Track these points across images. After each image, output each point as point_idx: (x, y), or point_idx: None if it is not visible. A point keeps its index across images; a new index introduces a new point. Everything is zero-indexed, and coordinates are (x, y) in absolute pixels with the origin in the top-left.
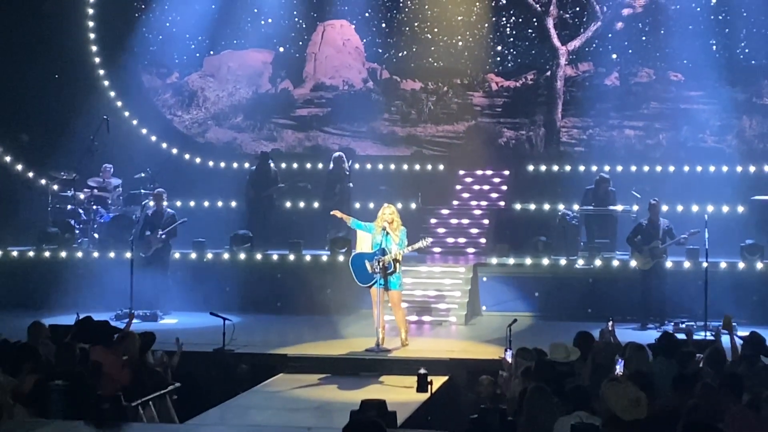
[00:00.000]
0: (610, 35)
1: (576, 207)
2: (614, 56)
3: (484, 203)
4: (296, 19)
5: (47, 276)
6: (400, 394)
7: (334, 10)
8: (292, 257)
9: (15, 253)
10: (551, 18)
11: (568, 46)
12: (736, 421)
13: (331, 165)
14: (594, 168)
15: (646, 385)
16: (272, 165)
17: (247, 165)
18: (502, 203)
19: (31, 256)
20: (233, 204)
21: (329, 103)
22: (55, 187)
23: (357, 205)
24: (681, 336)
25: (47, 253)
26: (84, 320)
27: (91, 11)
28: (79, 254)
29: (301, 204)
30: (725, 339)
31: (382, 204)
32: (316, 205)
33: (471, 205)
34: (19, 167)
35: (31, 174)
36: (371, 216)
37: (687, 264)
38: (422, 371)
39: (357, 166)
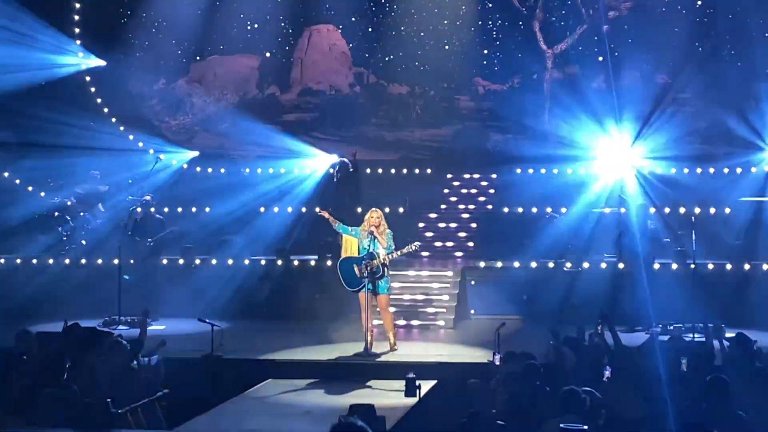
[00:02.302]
0: (596, 38)
1: (564, 210)
2: (600, 59)
3: (471, 207)
4: (282, 24)
5: (34, 283)
6: (389, 398)
7: (320, 14)
8: (279, 262)
9: (2, 260)
10: (537, 21)
11: (555, 49)
12: (726, 422)
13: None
14: (582, 171)
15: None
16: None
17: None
18: (489, 206)
19: (18, 263)
20: (220, 209)
21: (316, 108)
22: (43, 193)
23: (359, 210)
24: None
25: (34, 260)
26: (71, 327)
27: (77, 17)
28: (67, 261)
29: (289, 209)
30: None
31: (369, 208)
32: (303, 210)
33: (459, 208)
34: (6, 174)
35: (18, 181)
36: (359, 220)
37: (675, 266)
38: (411, 375)
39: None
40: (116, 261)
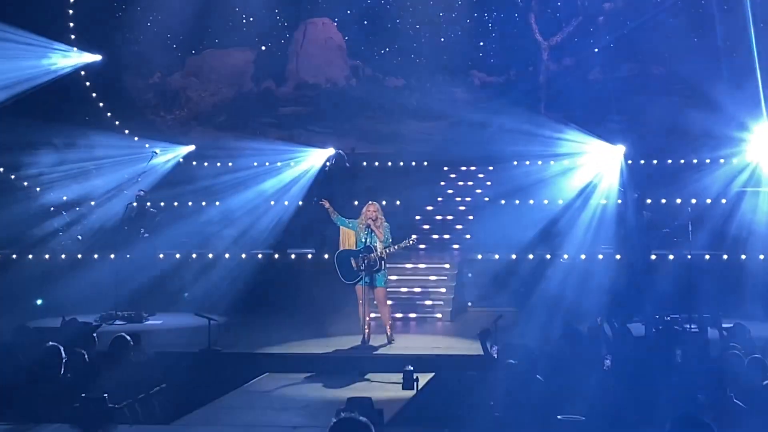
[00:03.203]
0: (591, 29)
1: (561, 201)
2: (596, 50)
3: (468, 199)
4: (278, 18)
5: (30, 278)
6: (387, 391)
7: (315, 8)
8: (277, 256)
9: None
10: (533, 13)
11: (550, 41)
12: (724, 413)
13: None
14: (578, 162)
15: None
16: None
17: (230, 164)
18: (486, 198)
19: (14, 258)
20: (217, 203)
21: (312, 101)
22: (38, 188)
23: (356, 203)
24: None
25: (30, 255)
26: (69, 322)
27: (71, 11)
28: (63, 256)
29: (286, 202)
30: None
31: (366, 201)
32: (300, 203)
33: (455, 200)
34: (1, 169)
35: (13, 176)
36: (355, 214)
37: (671, 256)
38: (408, 368)
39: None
40: (112, 256)
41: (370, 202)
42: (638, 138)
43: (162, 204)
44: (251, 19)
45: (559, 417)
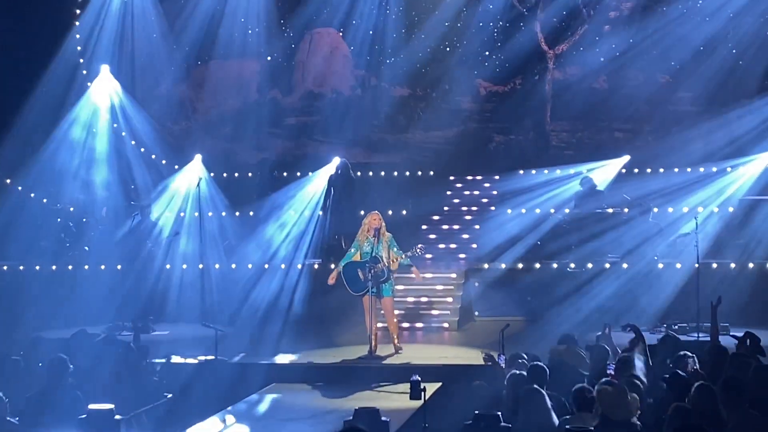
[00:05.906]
0: (597, 38)
1: (567, 210)
2: (602, 59)
3: (474, 208)
4: (283, 28)
5: (38, 289)
6: (394, 401)
7: (321, 18)
8: (282, 266)
9: (5, 267)
10: (538, 22)
11: (556, 50)
12: (740, 424)
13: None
14: (584, 171)
15: (639, 387)
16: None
17: (236, 175)
18: (492, 208)
19: (21, 270)
20: (223, 214)
21: (318, 112)
22: (45, 200)
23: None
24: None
25: (37, 267)
26: (77, 333)
27: (77, 23)
28: (70, 267)
29: (292, 212)
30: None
31: (370, 211)
32: (306, 213)
33: (462, 210)
34: (8, 181)
35: (20, 188)
36: (360, 223)
37: (678, 265)
38: (415, 378)
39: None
40: (119, 266)
41: (373, 212)
42: (643, 146)
43: (167, 214)
44: (257, 29)
45: (567, 427)
